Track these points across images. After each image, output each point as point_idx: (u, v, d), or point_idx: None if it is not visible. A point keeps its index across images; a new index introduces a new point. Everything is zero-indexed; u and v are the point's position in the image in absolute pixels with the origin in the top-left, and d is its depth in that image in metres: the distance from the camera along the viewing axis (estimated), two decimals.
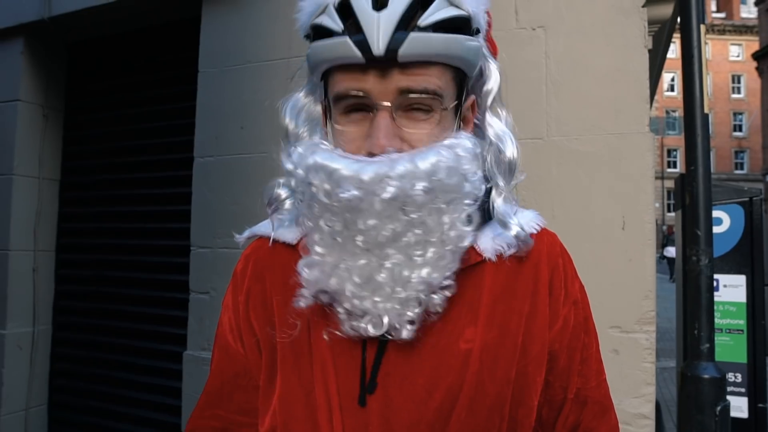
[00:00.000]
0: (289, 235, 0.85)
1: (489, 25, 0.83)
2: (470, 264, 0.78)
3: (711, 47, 33.89)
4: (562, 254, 0.85)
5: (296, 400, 0.78)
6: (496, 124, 0.83)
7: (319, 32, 0.73)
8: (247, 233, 0.91)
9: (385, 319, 0.73)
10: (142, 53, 3.41)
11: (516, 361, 0.77)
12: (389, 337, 0.74)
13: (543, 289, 0.81)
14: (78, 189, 3.63)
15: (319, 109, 0.85)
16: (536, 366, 0.79)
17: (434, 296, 0.74)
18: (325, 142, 0.77)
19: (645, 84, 2.11)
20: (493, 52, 0.85)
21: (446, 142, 0.74)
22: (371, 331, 0.73)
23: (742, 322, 2.52)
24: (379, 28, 0.67)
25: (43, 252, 3.55)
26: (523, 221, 0.83)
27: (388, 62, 0.69)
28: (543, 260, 0.82)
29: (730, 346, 2.52)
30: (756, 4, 33.47)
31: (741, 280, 2.51)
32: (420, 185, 0.69)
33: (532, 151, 2.19)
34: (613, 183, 2.09)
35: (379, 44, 0.68)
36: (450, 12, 0.71)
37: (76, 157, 3.66)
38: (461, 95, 0.78)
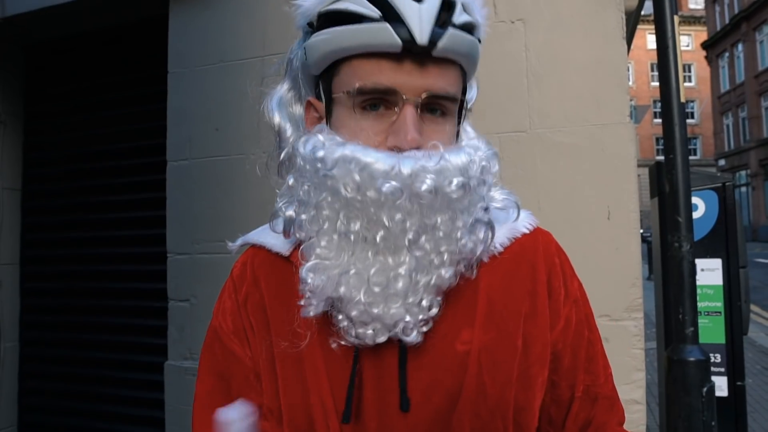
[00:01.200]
0: (281, 245, 0.82)
1: None
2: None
3: None
4: (558, 253, 0.85)
5: (289, 408, 0.76)
6: (470, 130, 0.84)
7: (342, 18, 0.69)
8: (239, 241, 0.89)
9: (401, 325, 0.71)
10: (105, 54, 3.28)
11: (517, 363, 0.77)
12: (405, 340, 0.72)
13: (541, 289, 0.80)
14: (42, 198, 3.48)
15: (298, 108, 0.82)
16: (539, 368, 0.78)
17: (438, 297, 0.73)
18: (337, 136, 0.72)
19: (624, 74, 2.14)
20: None
21: (463, 143, 0.74)
22: (378, 338, 0.71)
23: (719, 304, 2.59)
24: (421, 19, 0.66)
25: (6, 265, 3.39)
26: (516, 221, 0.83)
27: (421, 56, 0.68)
28: (539, 260, 0.82)
29: (709, 327, 2.59)
30: None
31: (717, 263, 2.58)
32: (456, 181, 0.68)
33: (516, 144, 2.20)
34: (596, 173, 2.12)
35: (422, 34, 0.66)
36: (468, 17, 0.72)
37: (38, 165, 3.51)
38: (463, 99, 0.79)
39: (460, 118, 0.79)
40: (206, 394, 0.83)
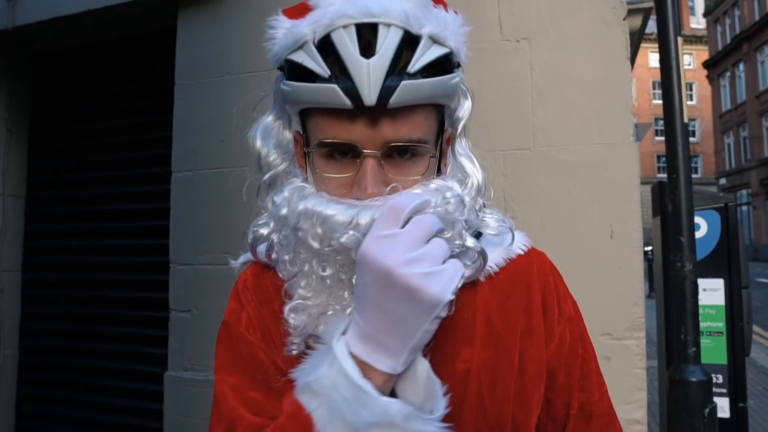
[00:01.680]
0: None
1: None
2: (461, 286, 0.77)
3: None
4: (553, 273, 0.87)
5: None
6: (463, 150, 0.85)
7: (300, 72, 0.70)
8: (242, 258, 0.90)
9: None
10: (112, 65, 3.31)
11: (514, 379, 0.78)
12: None
13: (537, 308, 0.82)
14: (45, 205, 3.49)
15: (288, 134, 0.84)
16: (535, 384, 0.80)
17: None
18: (307, 185, 0.75)
19: (628, 94, 2.16)
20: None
21: (432, 185, 0.73)
22: None
23: (721, 325, 2.58)
24: (369, 77, 0.65)
25: (8, 272, 3.39)
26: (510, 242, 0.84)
27: (377, 109, 0.67)
28: (534, 280, 0.83)
29: (711, 348, 2.58)
30: (704, 15, 34.96)
31: (719, 283, 2.57)
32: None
33: (520, 162, 2.21)
34: (600, 192, 2.13)
35: (370, 94, 0.65)
36: (436, 52, 0.69)
37: (42, 173, 3.53)
38: (441, 129, 0.79)
39: (443, 149, 0.79)
40: (236, 390, 0.77)
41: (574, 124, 2.18)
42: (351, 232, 0.67)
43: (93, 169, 3.33)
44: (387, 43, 0.66)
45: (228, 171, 2.66)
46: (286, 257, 0.75)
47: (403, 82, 0.66)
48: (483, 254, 0.77)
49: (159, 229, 2.91)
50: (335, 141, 0.70)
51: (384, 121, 0.68)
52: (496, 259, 0.81)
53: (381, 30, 0.66)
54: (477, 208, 0.81)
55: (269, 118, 0.84)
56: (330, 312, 0.72)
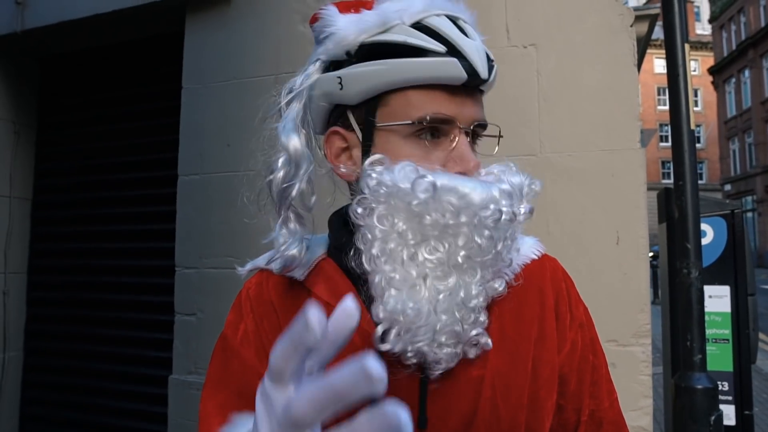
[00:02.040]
0: (296, 271, 0.82)
1: None
2: None
3: None
4: (565, 279, 0.87)
5: None
6: None
7: (399, 50, 0.71)
8: (249, 266, 0.88)
9: (431, 356, 0.71)
10: (120, 68, 3.33)
11: (528, 386, 0.78)
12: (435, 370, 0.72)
13: (549, 314, 0.82)
14: (51, 208, 3.50)
15: (298, 142, 0.81)
16: (547, 390, 0.80)
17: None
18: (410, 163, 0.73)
19: (635, 101, 2.16)
20: None
21: (497, 168, 0.78)
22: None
23: (727, 332, 2.57)
24: (480, 55, 0.72)
25: (14, 274, 3.40)
26: (524, 248, 0.85)
27: (472, 89, 0.74)
28: (547, 286, 0.84)
29: (717, 355, 2.57)
30: (710, 21, 34.94)
31: (725, 290, 2.57)
32: (522, 207, 0.76)
33: (527, 167, 2.19)
34: (606, 198, 2.13)
35: (484, 69, 0.72)
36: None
37: (49, 175, 3.54)
38: None
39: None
40: (220, 408, 0.78)
41: (581, 130, 2.18)
42: (492, 206, 0.69)
43: (99, 172, 3.34)
44: (475, 33, 0.75)
45: (234, 175, 2.67)
46: (375, 251, 0.70)
47: (494, 65, 0.76)
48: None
49: (165, 233, 2.92)
50: (437, 116, 0.72)
51: (474, 99, 0.75)
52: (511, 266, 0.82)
53: (463, 24, 0.74)
54: None
55: (292, 113, 0.81)
56: (441, 295, 0.70)
